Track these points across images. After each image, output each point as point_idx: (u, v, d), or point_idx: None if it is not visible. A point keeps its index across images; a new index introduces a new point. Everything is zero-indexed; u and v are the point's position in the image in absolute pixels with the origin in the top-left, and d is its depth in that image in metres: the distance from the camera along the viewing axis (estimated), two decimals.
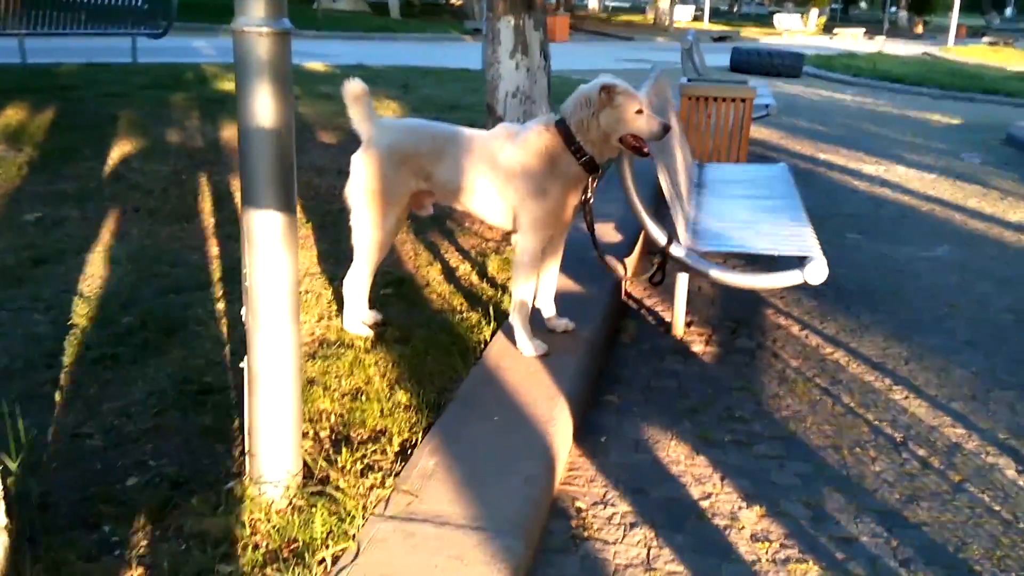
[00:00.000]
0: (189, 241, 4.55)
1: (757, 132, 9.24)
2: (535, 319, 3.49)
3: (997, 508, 2.77)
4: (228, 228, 4.81)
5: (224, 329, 3.48)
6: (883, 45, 27.18)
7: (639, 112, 3.15)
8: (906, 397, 3.50)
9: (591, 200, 3.28)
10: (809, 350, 3.92)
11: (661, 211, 4.55)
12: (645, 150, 3.19)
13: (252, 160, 2.22)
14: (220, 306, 3.71)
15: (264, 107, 2.18)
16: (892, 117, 12.14)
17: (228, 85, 9.56)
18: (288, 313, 2.34)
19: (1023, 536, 2.63)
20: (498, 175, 3.23)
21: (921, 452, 3.09)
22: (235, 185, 5.67)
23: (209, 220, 4.94)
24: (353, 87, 3.33)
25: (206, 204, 5.22)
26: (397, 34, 23.84)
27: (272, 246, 2.28)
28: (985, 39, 34.04)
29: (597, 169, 3.22)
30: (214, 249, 4.46)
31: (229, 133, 7.17)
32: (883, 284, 4.84)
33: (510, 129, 3.30)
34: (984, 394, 3.56)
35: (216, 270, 4.14)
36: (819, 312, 4.38)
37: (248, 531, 2.25)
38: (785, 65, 17.90)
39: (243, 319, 2.36)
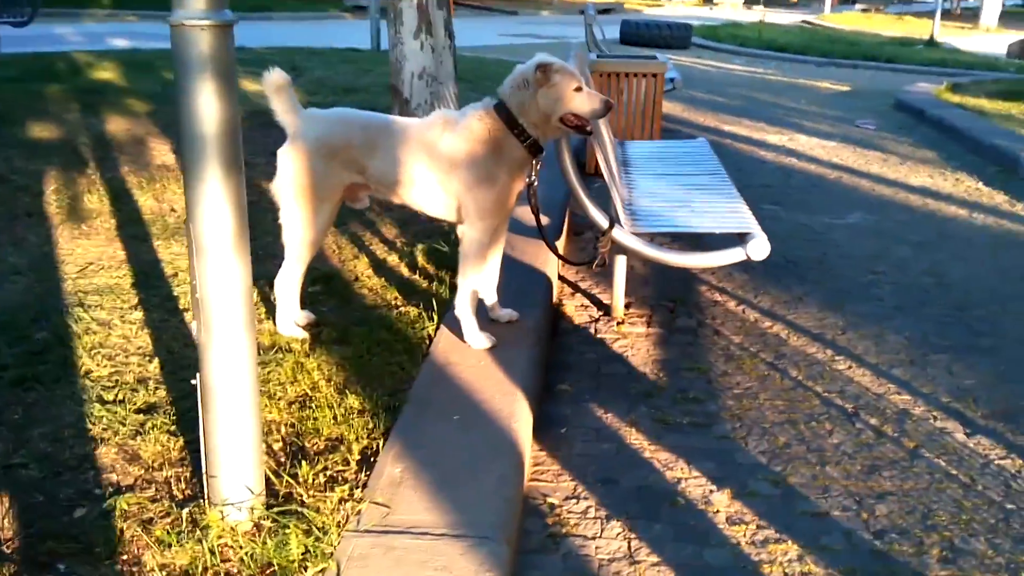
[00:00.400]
0: (91, 245, 4.29)
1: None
2: (478, 310, 3.44)
3: (954, 472, 2.89)
4: (131, 228, 4.57)
5: (149, 340, 3.29)
6: (764, 14, 28.01)
7: (578, 90, 3.12)
8: (849, 367, 3.61)
9: (536, 183, 3.24)
10: (749, 325, 4.00)
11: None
12: (588, 128, 3.17)
13: (198, 164, 2.08)
14: (139, 315, 3.51)
15: (209, 106, 2.05)
16: (784, 86, 12.53)
17: (104, 74, 9.08)
18: (244, 323, 2.22)
19: (983, 499, 2.75)
20: (440, 165, 3.15)
21: (873, 421, 3.19)
22: (131, 181, 5.39)
23: (109, 221, 4.68)
24: (274, 77, 3.18)
25: (103, 204, 4.94)
26: (274, 13, 23.13)
27: (223, 254, 2.15)
28: (858, 6, 35.50)
29: (541, 151, 3.19)
30: (120, 252, 4.23)
31: (114, 125, 6.81)
32: (807, 254, 4.99)
33: (447, 116, 3.22)
34: (921, 359, 3.70)
35: (127, 275, 3.93)
36: (752, 286, 4.47)
37: (218, 559, 2.14)
38: (674, 36, 18.23)
39: (193, 333, 2.23)
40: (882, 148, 8.07)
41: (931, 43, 19.88)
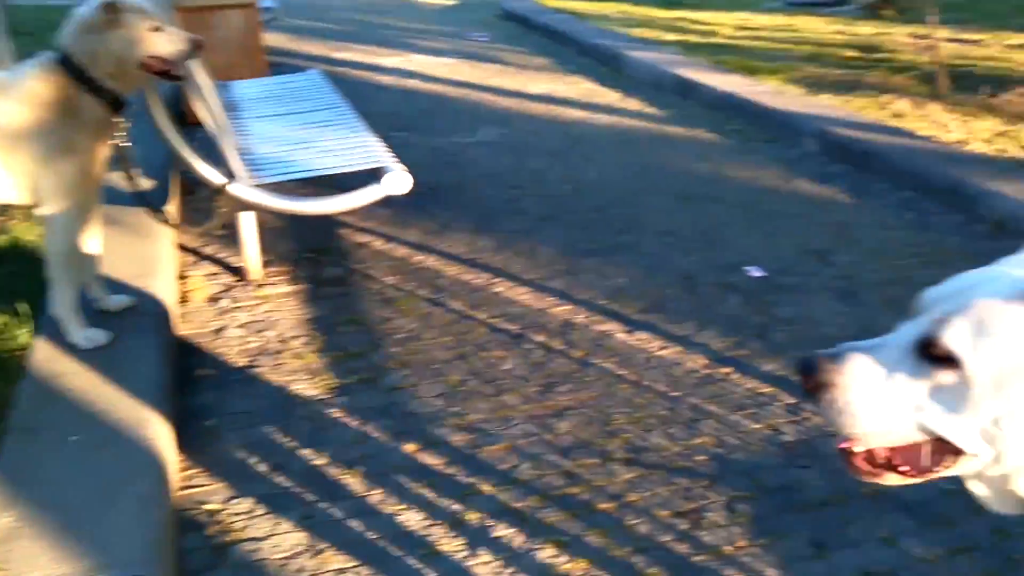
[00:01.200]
0: None
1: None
2: (83, 303, 3.01)
3: (622, 372, 3.02)
4: None
5: None
6: None
7: (156, 30, 2.77)
8: (509, 287, 3.65)
9: (128, 145, 2.86)
10: (400, 263, 3.91)
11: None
12: (177, 73, 2.85)
13: None
14: None
15: None
16: (390, 6, 12.51)
17: None
18: None
19: (652, 392, 2.91)
20: (1, 141, 2.65)
21: (540, 338, 3.26)
22: None
23: None
24: None
25: None
26: None
27: None
28: None
29: (123, 106, 2.80)
30: None
31: None
32: (445, 178, 4.99)
33: None
34: (573, 266, 3.84)
35: None
36: (396, 220, 4.38)
37: None
38: None
39: None
40: (498, 60, 8.33)
41: None
